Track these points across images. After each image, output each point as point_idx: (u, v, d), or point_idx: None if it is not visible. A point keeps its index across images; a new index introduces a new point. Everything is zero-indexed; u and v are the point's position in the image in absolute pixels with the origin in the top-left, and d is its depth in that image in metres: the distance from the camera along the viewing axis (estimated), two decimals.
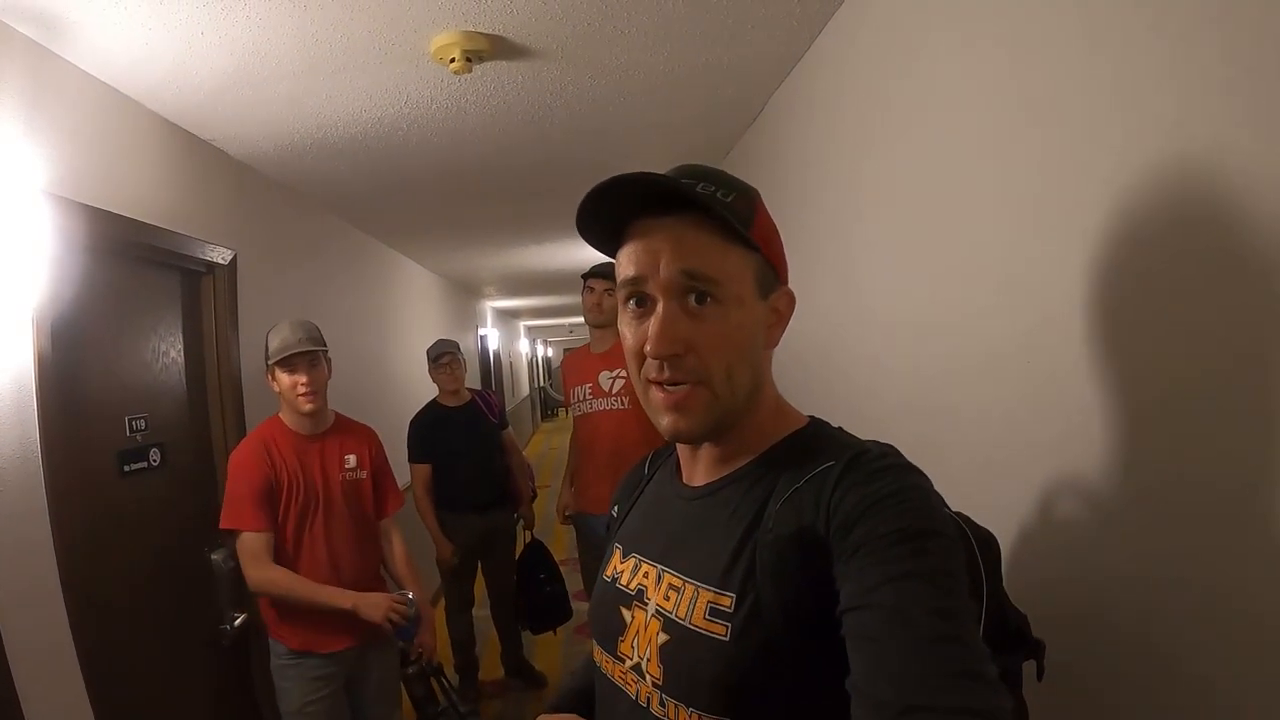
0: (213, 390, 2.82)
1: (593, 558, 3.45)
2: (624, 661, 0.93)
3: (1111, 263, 1.14)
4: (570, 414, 3.55)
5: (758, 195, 0.92)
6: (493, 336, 11.66)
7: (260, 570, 2.34)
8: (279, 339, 2.42)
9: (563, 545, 4.98)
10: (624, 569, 1.00)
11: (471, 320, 9.78)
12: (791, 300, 0.95)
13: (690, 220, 0.85)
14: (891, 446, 0.85)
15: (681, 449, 1.01)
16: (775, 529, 0.82)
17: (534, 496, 4.51)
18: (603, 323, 3.44)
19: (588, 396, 3.41)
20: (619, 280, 0.91)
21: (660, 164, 0.85)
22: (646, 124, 3.10)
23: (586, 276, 3.45)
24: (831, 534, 0.77)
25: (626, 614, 0.95)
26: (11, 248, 1.81)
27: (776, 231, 0.93)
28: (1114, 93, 1.12)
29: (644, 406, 0.92)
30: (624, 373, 3.31)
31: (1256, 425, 0.91)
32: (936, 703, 0.62)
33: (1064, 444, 1.26)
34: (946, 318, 1.71)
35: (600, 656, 0.99)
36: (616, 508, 1.16)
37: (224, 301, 2.85)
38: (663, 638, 0.88)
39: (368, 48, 2.19)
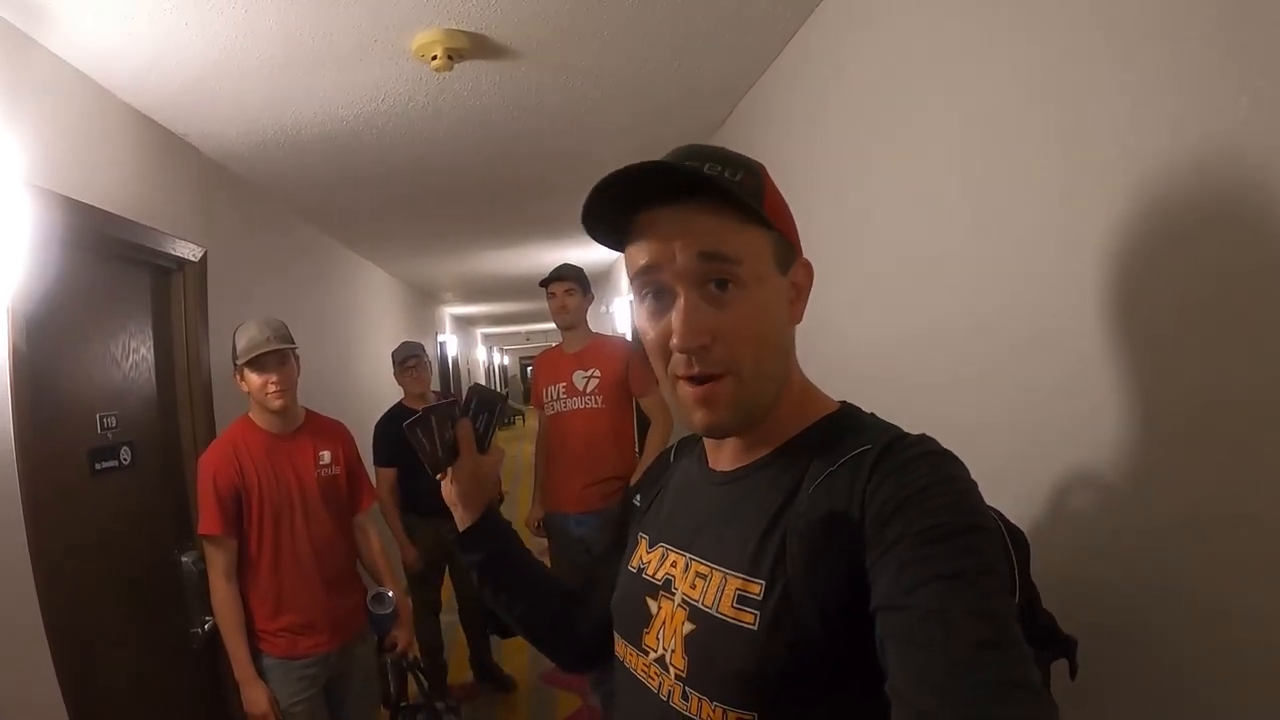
0: (182, 388, 2.78)
1: (564, 557, 3.46)
2: (648, 654, 0.89)
3: (1120, 263, 1.14)
4: (543, 413, 3.55)
5: (764, 169, 0.88)
6: (451, 343, 11.57)
7: (215, 585, 2.34)
8: (246, 338, 2.38)
9: (529, 547, 4.96)
10: (650, 559, 0.96)
11: (431, 326, 9.72)
12: (809, 271, 0.91)
13: (700, 204, 0.81)
14: (926, 434, 0.82)
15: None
16: (807, 513, 0.79)
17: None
18: (571, 323, 3.47)
19: (561, 395, 3.41)
20: (631, 274, 0.87)
21: (629, 159, 0.81)
22: (618, 122, 3.12)
23: (545, 284, 3.50)
24: (867, 522, 0.74)
25: (652, 604, 0.91)
26: None
27: (786, 204, 0.90)
28: (1119, 87, 1.12)
29: (671, 403, 0.90)
30: (598, 372, 3.34)
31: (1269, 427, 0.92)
32: (981, 714, 0.59)
33: (1071, 445, 1.26)
34: (939, 323, 1.71)
35: (623, 650, 0.95)
36: (639, 497, 1.12)
37: (194, 299, 2.81)
38: (688, 627, 0.84)
39: (349, 43, 2.19)
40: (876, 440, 0.80)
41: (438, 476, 1.12)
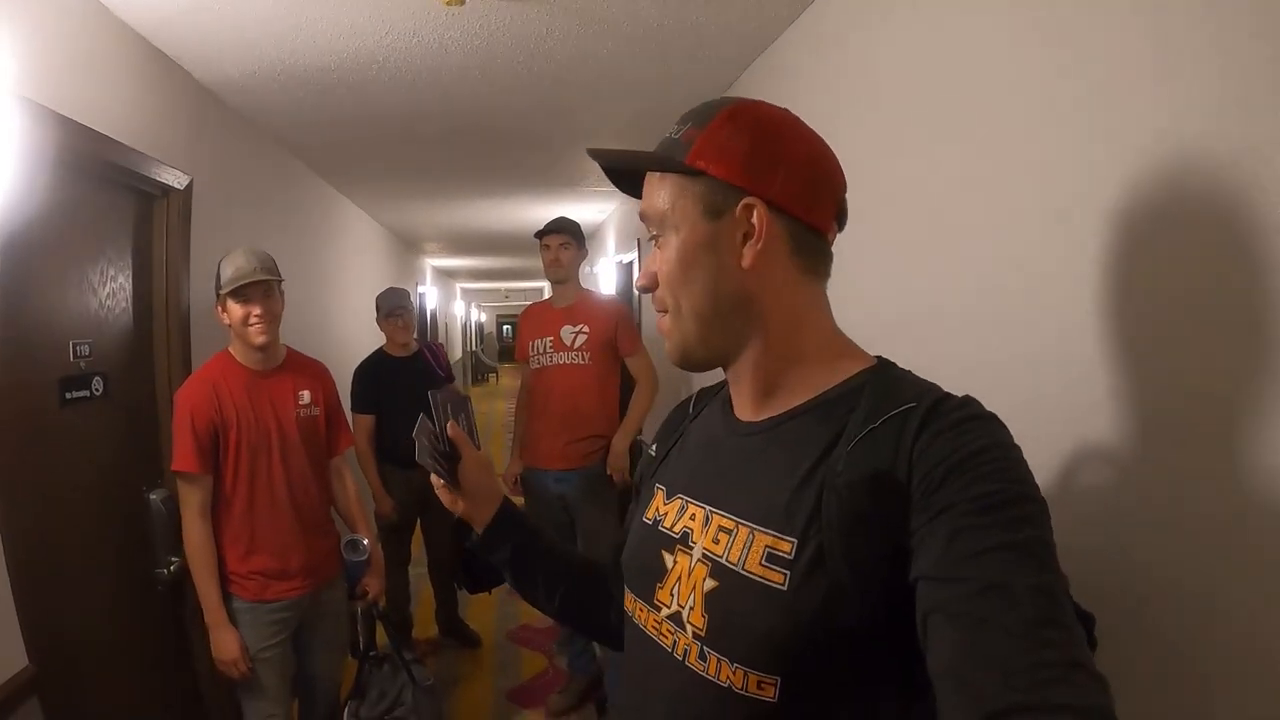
0: (159, 320, 2.68)
1: (541, 514, 3.43)
2: (660, 610, 0.87)
3: (1126, 256, 1.13)
4: (527, 367, 3.50)
5: (719, 109, 0.86)
6: (431, 295, 11.44)
7: (189, 524, 2.29)
8: (232, 267, 2.31)
9: None
10: (668, 510, 0.93)
11: (411, 276, 9.58)
12: (763, 212, 0.83)
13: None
14: (970, 395, 0.79)
15: (731, 382, 0.95)
16: (847, 472, 0.75)
17: None
18: (563, 278, 3.42)
19: (548, 349, 3.37)
20: None
21: (634, 117, 0.86)
22: (626, 77, 3.02)
23: (540, 235, 3.44)
24: (914, 483, 0.71)
25: (668, 558, 0.89)
26: None
27: (747, 138, 0.84)
28: (1151, 71, 1.11)
29: None
30: (587, 328, 3.31)
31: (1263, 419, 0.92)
32: (1044, 699, 0.56)
33: (1062, 439, 1.26)
34: (936, 312, 1.71)
35: (633, 604, 0.93)
36: (656, 446, 1.09)
37: (177, 228, 2.71)
38: (710, 584, 0.81)
39: None
40: (921, 399, 0.77)
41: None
